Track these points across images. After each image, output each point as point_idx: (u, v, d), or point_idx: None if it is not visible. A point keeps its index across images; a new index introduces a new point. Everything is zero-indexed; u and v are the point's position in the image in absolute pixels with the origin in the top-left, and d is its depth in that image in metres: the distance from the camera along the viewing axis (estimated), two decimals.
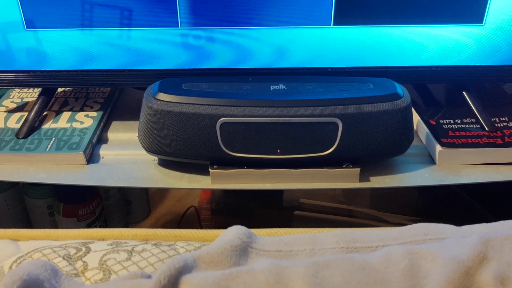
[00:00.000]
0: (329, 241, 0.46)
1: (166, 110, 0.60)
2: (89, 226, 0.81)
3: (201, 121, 0.59)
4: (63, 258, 0.46)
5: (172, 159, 0.65)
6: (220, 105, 0.59)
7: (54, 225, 0.82)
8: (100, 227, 0.83)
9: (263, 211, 1.01)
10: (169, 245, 0.49)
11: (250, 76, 0.66)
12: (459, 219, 0.90)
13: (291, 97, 0.61)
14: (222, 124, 0.59)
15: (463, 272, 0.39)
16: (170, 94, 0.61)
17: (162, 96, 0.61)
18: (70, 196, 0.79)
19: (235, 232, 0.45)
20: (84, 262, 0.46)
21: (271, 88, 0.63)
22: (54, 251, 0.47)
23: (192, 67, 0.69)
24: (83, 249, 0.48)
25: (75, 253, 0.47)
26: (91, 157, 0.68)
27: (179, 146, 0.61)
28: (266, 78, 0.65)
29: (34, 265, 0.40)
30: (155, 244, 0.49)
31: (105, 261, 0.45)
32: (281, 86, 0.63)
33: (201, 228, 1.06)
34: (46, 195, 0.81)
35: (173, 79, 0.65)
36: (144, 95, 0.63)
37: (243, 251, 0.44)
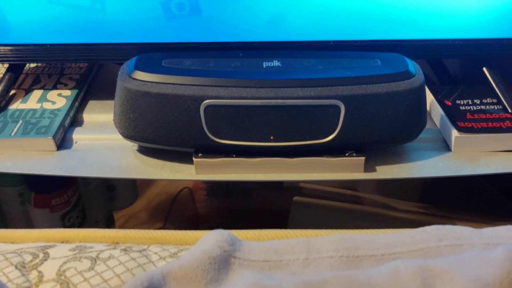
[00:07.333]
0: (326, 248, 0.40)
1: (142, 90, 0.54)
2: (64, 217, 0.75)
3: (183, 104, 0.53)
4: (16, 267, 0.41)
5: (151, 146, 0.58)
6: (205, 85, 0.54)
7: (27, 215, 0.76)
8: (77, 218, 0.77)
9: (262, 192, 0.97)
10: (140, 251, 0.43)
11: (240, 51, 0.60)
12: (474, 206, 0.84)
13: (286, 76, 0.55)
14: (207, 107, 0.54)
15: None
16: (148, 72, 0.54)
17: (138, 74, 0.54)
18: (41, 185, 0.72)
19: (215, 239, 0.40)
20: (39, 272, 0.40)
21: (264, 65, 0.57)
22: (6, 259, 0.42)
23: (175, 40, 0.63)
24: (41, 255, 0.42)
25: (31, 261, 0.42)
26: (63, 142, 0.61)
27: (158, 131, 0.55)
28: (259, 54, 0.59)
29: None
30: (125, 250, 0.43)
31: (64, 271, 0.40)
32: (276, 63, 0.57)
33: (196, 210, 1.04)
34: (16, 182, 0.75)
35: (152, 54, 0.58)
36: (119, 73, 0.56)
37: (223, 263, 0.38)
